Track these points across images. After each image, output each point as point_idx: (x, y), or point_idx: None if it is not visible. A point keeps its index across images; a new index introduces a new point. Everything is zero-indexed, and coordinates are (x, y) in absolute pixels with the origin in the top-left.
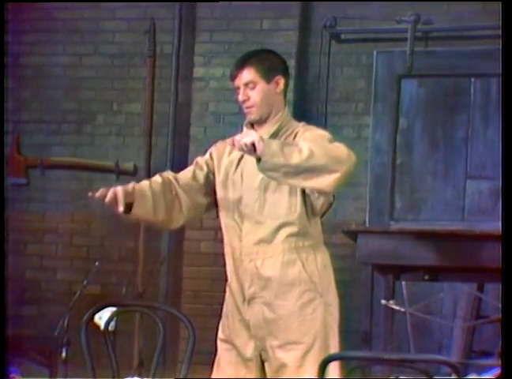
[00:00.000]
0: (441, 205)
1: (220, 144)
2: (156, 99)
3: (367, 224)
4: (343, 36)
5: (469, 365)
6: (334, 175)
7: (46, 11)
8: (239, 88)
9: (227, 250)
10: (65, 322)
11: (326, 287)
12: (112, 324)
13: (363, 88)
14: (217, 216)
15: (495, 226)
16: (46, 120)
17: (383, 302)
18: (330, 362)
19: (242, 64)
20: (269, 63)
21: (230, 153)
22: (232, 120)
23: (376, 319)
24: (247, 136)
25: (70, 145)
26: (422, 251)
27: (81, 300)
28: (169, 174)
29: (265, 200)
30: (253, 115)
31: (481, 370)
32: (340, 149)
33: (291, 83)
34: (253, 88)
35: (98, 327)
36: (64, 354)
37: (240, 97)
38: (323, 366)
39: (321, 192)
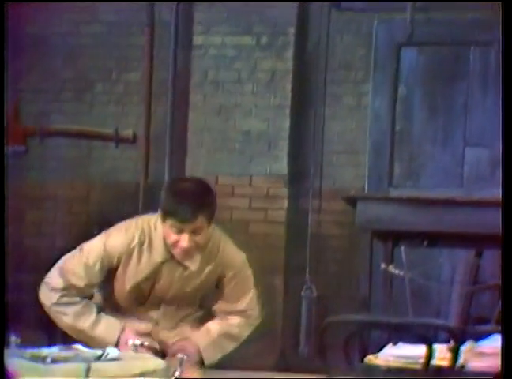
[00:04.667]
0: (440, 172)
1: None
2: (155, 67)
3: (366, 191)
4: (343, 4)
5: (467, 331)
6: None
7: None
8: (179, 230)
9: None
10: None
11: None
12: None
13: (363, 56)
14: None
15: (494, 193)
16: (45, 88)
17: (383, 266)
18: (330, 325)
19: (197, 211)
20: (213, 208)
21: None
22: (231, 88)
23: (375, 286)
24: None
25: (69, 113)
26: (421, 217)
27: None
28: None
29: None
30: (186, 258)
31: (479, 336)
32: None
33: (291, 52)
34: (199, 234)
35: None
36: None
37: (186, 243)
38: (323, 330)
39: None
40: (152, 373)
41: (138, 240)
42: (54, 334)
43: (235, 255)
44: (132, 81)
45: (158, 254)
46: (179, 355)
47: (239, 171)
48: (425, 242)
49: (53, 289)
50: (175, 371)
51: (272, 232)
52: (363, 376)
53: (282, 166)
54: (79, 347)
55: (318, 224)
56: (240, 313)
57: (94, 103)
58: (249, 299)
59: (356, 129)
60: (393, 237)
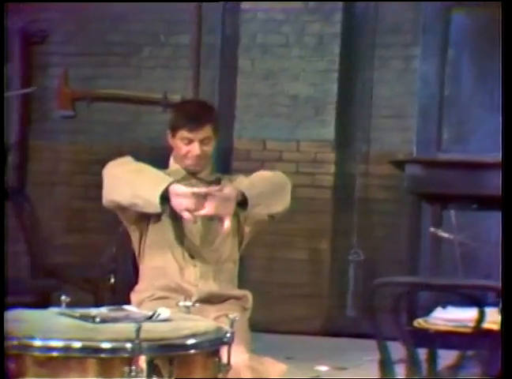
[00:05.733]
0: (488, 136)
1: None
2: (204, 31)
3: (414, 155)
4: None
5: None
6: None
7: None
8: (189, 140)
9: None
10: (113, 250)
11: None
12: None
13: (412, 19)
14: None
15: None
16: (92, 52)
17: (432, 229)
18: (379, 287)
19: (205, 119)
20: (217, 121)
21: None
22: (280, 52)
23: (423, 249)
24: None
25: (117, 78)
26: (470, 181)
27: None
28: None
29: None
30: (198, 168)
31: None
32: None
33: (340, 15)
34: (207, 144)
35: None
36: (112, 280)
37: (196, 152)
38: (372, 292)
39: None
40: (203, 334)
41: None
42: (101, 295)
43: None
44: (180, 45)
45: (175, 174)
46: (231, 316)
47: (287, 136)
48: (474, 205)
49: None
50: (226, 333)
51: (319, 197)
52: (412, 339)
53: (329, 130)
54: (129, 307)
55: (365, 188)
56: None
57: (142, 68)
58: None
59: (404, 93)
60: (442, 200)
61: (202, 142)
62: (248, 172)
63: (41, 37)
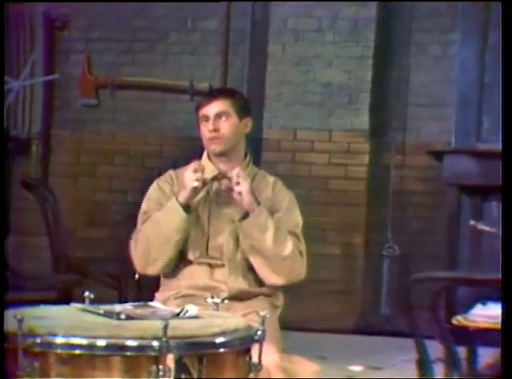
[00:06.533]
0: None
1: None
2: (233, 16)
3: (453, 145)
4: None
5: None
6: (281, 280)
7: None
8: (206, 117)
9: None
10: None
11: None
12: None
13: (450, 3)
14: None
15: None
16: (117, 38)
17: (471, 222)
18: (416, 282)
19: (216, 94)
20: (243, 102)
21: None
22: (312, 37)
23: (462, 243)
24: (243, 182)
25: (142, 64)
26: None
27: None
28: None
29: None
30: (219, 147)
31: None
32: (301, 265)
33: None
34: (225, 120)
35: None
36: (137, 276)
37: (210, 126)
38: (409, 289)
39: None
40: (234, 331)
41: (176, 171)
42: (125, 291)
43: (285, 190)
44: (208, 30)
45: (206, 171)
46: (261, 313)
47: (319, 126)
48: None
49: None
50: (257, 330)
51: (352, 189)
52: (451, 337)
53: (363, 119)
54: (155, 304)
55: (401, 180)
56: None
57: (168, 54)
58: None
59: (442, 81)
60: (482, 192)
61: (218, 117)
62: (278, 163)
63: (63, 22)
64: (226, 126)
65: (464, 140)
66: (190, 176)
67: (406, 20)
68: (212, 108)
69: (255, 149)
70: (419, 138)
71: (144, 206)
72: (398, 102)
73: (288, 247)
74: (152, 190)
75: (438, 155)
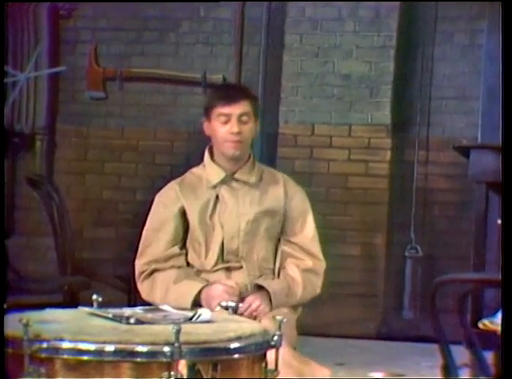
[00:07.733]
0: None
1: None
2: (247, 4)
3: (480, 141)
4: None
5: None
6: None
7: None
8: (227, 117)
9: None
10: None
11: None
12: None
13: None
14: None
15: None
16: (125, 27)
17: (500, 221)
18: (441, 284)
19: (241, 94)
20: (257, 103)
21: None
22: (331, 26)
23: (490, 244)
24: (260, 314)
25: (152, 55)
26: None
27: None
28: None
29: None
30: (239, 151)
31: None
32: (316, 283)
33: None
34: (246, 123)
35: None
36: None
37: (235, 129)
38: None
39: None
40: (249, 337)
41: (178, 181)
42: (134, 294)
43: (296, 187)
44: (222, 19)
45: (212, 175)
46: (278, 317)
47: (338, 120)
48: None
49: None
50: (273, 335)
51: (373, 186)
52: (478, 342)
53: (385, 113)
54: (166, 307)
55: (425, 177)
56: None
57: (179, 44)
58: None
59: (469, 72)
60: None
61: (240, 119)
62: (295, 160)
63: (68, 11)
64: (247, 129)
65: (492, 134)
66: (221, 295)
67: (431, 8)
68: (236, 109)
69: (271, 145)
70: (444, 133)
71: (146, 232)
72: (422, 95)
73: (308, 289)
74: (156, 207)
75: (464, 150)
